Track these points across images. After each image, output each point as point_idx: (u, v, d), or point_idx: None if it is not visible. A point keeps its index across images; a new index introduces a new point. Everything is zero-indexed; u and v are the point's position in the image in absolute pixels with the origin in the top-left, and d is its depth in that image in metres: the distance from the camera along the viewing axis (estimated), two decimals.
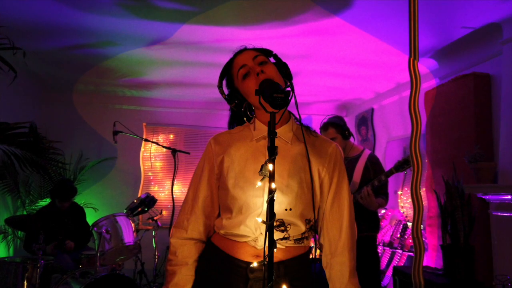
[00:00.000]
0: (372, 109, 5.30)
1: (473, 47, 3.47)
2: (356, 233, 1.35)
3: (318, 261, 1.39)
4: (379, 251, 4.03)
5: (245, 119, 1.34)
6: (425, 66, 4.06)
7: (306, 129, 1.35)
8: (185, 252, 1.32)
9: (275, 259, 1.19)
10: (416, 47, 0.87)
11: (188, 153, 3.99)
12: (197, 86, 5.07)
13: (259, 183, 1.20)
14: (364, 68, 4.27)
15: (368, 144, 5.37)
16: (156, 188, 5.61)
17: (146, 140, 4.58)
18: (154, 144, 5.30)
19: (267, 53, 1.34)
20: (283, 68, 1.31)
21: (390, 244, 4.32)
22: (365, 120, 5.44)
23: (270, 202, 1.04)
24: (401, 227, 4.27)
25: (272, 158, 1.05)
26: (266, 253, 1.03)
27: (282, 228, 1.23)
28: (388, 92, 4.95)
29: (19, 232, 4.37)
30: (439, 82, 3.91)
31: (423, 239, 3.02)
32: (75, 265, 3.53)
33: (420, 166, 0.81)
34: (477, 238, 3.04)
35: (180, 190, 5.61)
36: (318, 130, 1.52)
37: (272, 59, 1.34)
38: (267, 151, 1.08)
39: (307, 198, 1.26)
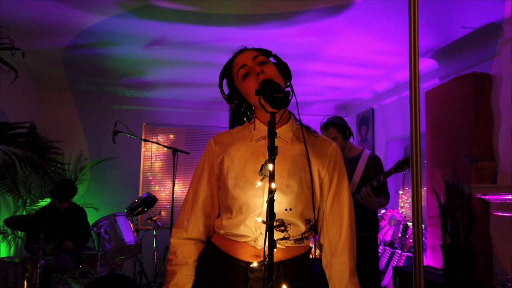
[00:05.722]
0: (372, 109, 5.30)
1: (473, 47, 3.46)
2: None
3: (318, 261, 1.39)
4: (379, 250, 4.03)
5: (245, 119, 1.34)
6: (425, 66, 4.06)
7: (306, 129, 1.35)
8: (185, 252, 1.32)
9: (275, 259, 1.19)
10: (416, 47, 0.87)
11: (188, 153, 4.00)
12: (197, 86, 5.07)
13: (259, 183, 1.20)
14: (364, 68, 4.26)
15: (367, 144, 5.36)
16: (156, 188, 5.61)
17: (145, 140, 4.58)
18: (154, 144, 5.33)
19: (267, 53, 1.34)
20: (283, 68, 1.31)
21: (391, 244, 4.32)
22: (367, 120, 5.43)
23: (270, 202, 1.04)
24: (401, 227, 4.26)
25: (272, 158, 1.05)
26: (266, 253, 1.03)
27: (282, 228, 1.23)
28: (388, 92, 4.95)
29: (19, 232, 4.36)
30: (439, 82, 3.90)
31: (423, 239, 3.02)
32: (76, 265, 3.53)
33: (419, 166, 0.81)
34: (477, 238, 3.04)
35: (180, 189, 5.62)
36: (318, 130, 1.51)
37: (272, 59, 1.34)
38: (267, 151, 1.07)
39: (307, 198, 1.26)
